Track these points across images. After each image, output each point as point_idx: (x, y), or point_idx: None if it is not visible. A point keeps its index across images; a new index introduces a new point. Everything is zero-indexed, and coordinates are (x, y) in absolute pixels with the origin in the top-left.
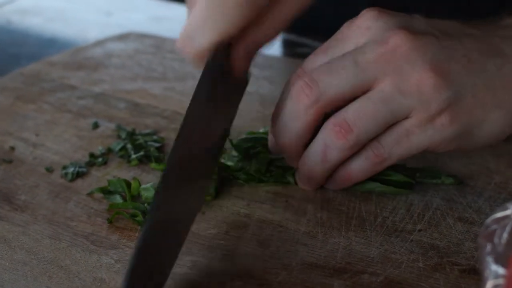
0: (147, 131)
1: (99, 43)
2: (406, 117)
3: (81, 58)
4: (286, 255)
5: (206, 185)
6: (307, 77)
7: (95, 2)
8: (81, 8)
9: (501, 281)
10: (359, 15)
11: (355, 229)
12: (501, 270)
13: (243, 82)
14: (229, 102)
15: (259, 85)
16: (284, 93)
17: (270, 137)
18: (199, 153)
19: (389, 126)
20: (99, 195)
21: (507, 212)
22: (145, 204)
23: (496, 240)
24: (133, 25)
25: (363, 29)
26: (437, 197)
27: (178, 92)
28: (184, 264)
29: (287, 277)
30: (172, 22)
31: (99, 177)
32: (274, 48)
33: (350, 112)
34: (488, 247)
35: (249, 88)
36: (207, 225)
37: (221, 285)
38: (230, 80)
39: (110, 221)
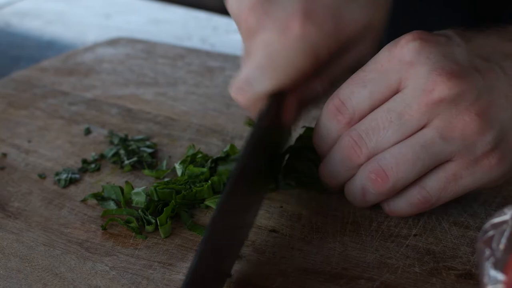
0: (140, 136)
1: (90, 48)
2: (448, 161)
3: (72, 64)
4: (282, 261)
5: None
6: (355, 135)
7: (94, 5)
8: (80, 11)
9: (500, 286)
10: (399, 44)
11: (351, 234)
12: (500, 276)
13: (288, 132)
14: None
15: None
16: (325, 128)
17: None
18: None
19: (431, 170)
20: (92, 201)
21: (505, 217)
22: (139, 210)
23: (494, 245)
24: (132, 28)
25: (405, 65)
26: None
27: (170, 97)
28: (179, 270)
29: (283, 283)
30: (171, 25)
31: (92, 183)
32: None
33: (388, 158)
34: (487, 252)
35: None
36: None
37: None
38: (278, 127)
39: (104, 228)
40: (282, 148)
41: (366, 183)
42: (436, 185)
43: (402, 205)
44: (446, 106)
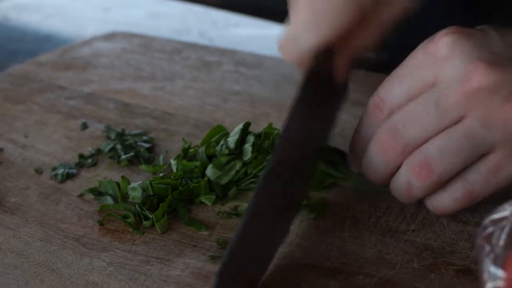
0: (137, 131)
1: (87, 42)
2: (489, 152)
3: (69, 58)
4: (281, 256)
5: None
6: (390, 126)
7: None
8: (78, 5)
9: (500, 283)
10: (435, 40)
11: (349, 230)
12: (500, 272)
13: (344, 89)
14: (330, 108)
15: (249, 85)
16: (365, 126)
17: (349, 156)
18: (299, 158)
19: (473, 162)
20: (89, 196)
21: (505, 213)
22: (136, 206)
23: (494, 241)
24: (131, 22)
25: (441, 59)
26: None
27: (168, 92)
28: (177, 266)
29: (282, 278)
30: (170, 19)
31: (89, 178)
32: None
33: (431, 150)
34: (486, 248)
35: (239, 88)
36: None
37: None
38: (331, 86)
39: (101, 223)
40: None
41: (410, 177)
42: (479, 178)
43: (445, 200)
44: (485, 95)
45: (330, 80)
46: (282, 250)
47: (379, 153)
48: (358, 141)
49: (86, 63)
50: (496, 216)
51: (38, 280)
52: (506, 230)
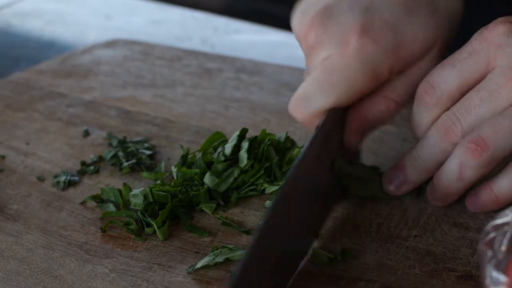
0: (139, 138)
1: (87, 50)
2: None
3: (70, 66)
4: None
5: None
6: (451, 115)
7: (95, 6)
8: (80, 12)
9: None
10: (490, 28)
11: (350, 235)
12: (502, 277)
13: (355, 155)
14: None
15: (249, 91)
16: (415, 112)
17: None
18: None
19: None
20: (91, 203)
21: (507, 218)
22: (138, 213)
23: (496, 247)
24: (132, 29)
25: (494, 46)
26: (432, 203)
27: (168, 99)
28: (179, 272)
29: None
30: (171, 26)
31: (91, 185)
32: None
33: (485, 129)
34: (488, 254)
35: (239, 94)
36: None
37: None
38: (343, 150)
39: (103, 230)
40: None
41: (464, 155)
42: None
43: (506, 184)
44: None
45: (341, 143)
46: None
47: (438, 139)
48: (412, 128)
49: (87, 71)
50: (498, 221)
51: (40, 287)
52: (508, 235)
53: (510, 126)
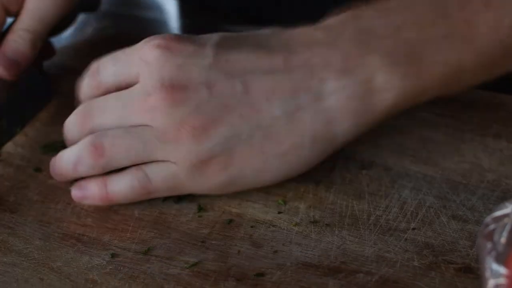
0: None
1: None
2: (164, 161)
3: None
4: (280, 254)
5: None
6: (87, 108)
7: None
8: None
9: (502, 280)
10: (149, 44)
11: (349, 228)
12: (502, 269)
13: None
14: None
15: None
16: (80, 85)
17: None
18: None
19: (145, 163)
20: None
21: (506, 210)
22: None
23: (495, 239)
24: None
25: (144, 63)
26: (430, 195)
27: None
28: (177, 264)
29: (281, 277)
30: None
31: None
32: None
33: (108, 138)
34: (488, 246)
35: None
36: (199, 225)
37: (215, 285)
38: None
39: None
40: None
41: (84, 152)
42: (157, 177)
43: (122, 186)
44: (161, 113)
45: None
46: (280, 248)
47: (74, 120)
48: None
49: None
50: (497, 213)
51: (37, 278)
52: (508, 227)
53: (129, 144)
